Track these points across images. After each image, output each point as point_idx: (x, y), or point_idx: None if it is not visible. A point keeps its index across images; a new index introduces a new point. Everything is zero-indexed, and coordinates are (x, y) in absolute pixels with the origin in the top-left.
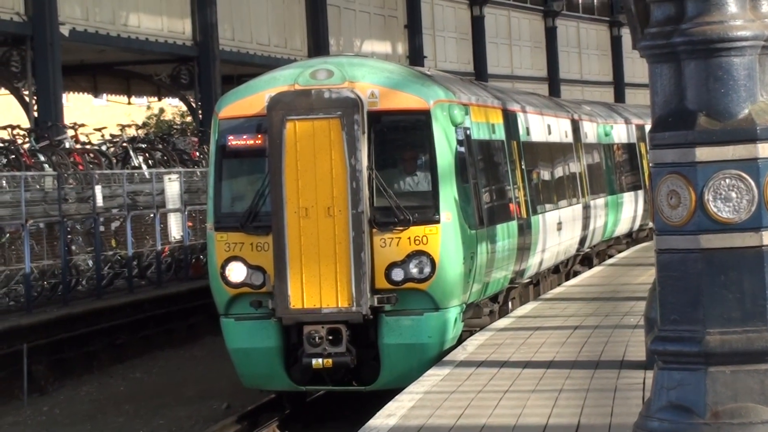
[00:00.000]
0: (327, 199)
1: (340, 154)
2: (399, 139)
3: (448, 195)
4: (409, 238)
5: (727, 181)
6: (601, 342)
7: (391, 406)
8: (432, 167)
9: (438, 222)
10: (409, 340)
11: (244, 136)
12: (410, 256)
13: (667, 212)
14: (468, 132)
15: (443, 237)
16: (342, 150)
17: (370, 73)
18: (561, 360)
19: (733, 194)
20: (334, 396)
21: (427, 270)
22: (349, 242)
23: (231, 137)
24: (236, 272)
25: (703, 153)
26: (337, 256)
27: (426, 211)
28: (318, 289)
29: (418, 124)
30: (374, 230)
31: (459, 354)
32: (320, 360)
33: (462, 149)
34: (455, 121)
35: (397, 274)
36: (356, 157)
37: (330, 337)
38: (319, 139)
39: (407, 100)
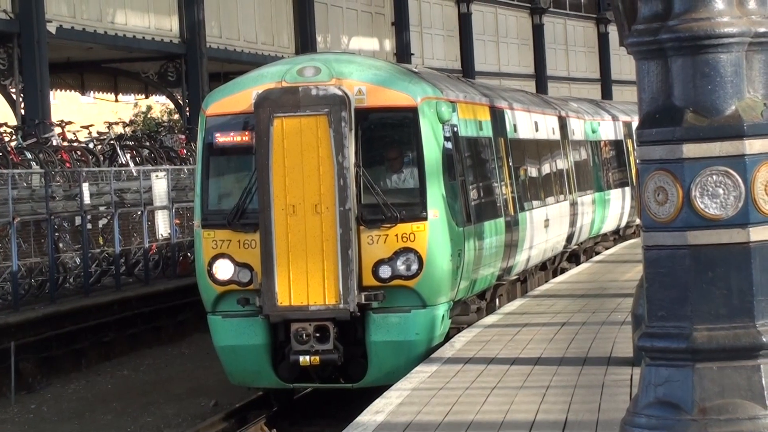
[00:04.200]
0: (314, 196)
1: (327, 152)
2: (386, 136)
3: (436, 192)
4: (396, 235)
5: (714, 177)
6: (588, 338)
7: (379, 403)
8: (419, 164)
9: (425, 219)
10: (397, 337)
11: (231, 134)
12: (398, 254)
13: (655, 209)
14: (455, 129)
15: (431, 234)
16: (329, 147)
17: (357, 70)
18: (548, 356)
19: (720, 190)
20: (321, 393)
21: (414, 267)
22: (336, 239)
23: (218, 134)
24: (223, 269)
25: (690, 149)
26: (324, 253)
27: (413, 208)
28: (305, 286)
29: (405, 121)
30: (361, 227)
31: (447, 351)
32: (307, 357)
33: (449, 146)
34: (442, 118)
35: (385, 272)
36: (343, 154)
37: (317, 335)
38: (306, 137)
39: (394, 97)
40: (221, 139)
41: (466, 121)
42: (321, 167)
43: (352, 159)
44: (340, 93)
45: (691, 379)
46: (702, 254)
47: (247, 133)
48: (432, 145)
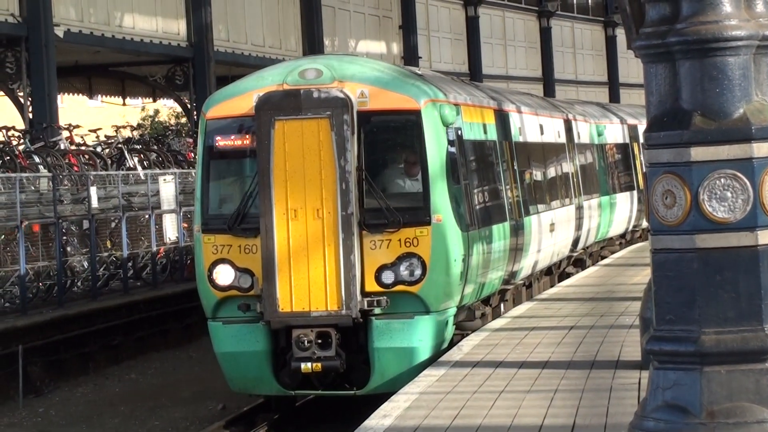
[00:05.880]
0: (316, 200)
1: (329, 155)
2: (389, 139)
3: (439, 196)
4: (399, 239)
5: (722, 180)
6: (596, 342)
7: (386, 407)
8: (423, 168)
9: (429, 223)
10: (400, 343)
11: (232, 137)
12: (401, 259)
13: (663, 212)
14: (459, 132)
15: (434, 239)
16: (331, 151)
17: (359, 73)
18: (556, 360)
19: (728, 194)
20: (325, 398)
21: (417, 272)
22: (338, 244)
23: (218, 138)
24: (224, 275)
25: (698, 153)
26: (326, 258)
27: (416, 212)
28: (307, 292)
29: (408, 124)
30: (364, 232)
31: (454, 354)
32: (309, 364)
33: (453, 149)
34: (446, 121)
35: (388, 277)
36: (346, 157)
37: (319, 341)
38: (307, 140)
39: (397, 99)
40: (222, 142)
41: (470, 124)
42: (323, 171)
43: (354, 162)
44: (342, 96)
45: (699, 383)
46: (710, 257)
47: (247, 136)
48: (435, 148)
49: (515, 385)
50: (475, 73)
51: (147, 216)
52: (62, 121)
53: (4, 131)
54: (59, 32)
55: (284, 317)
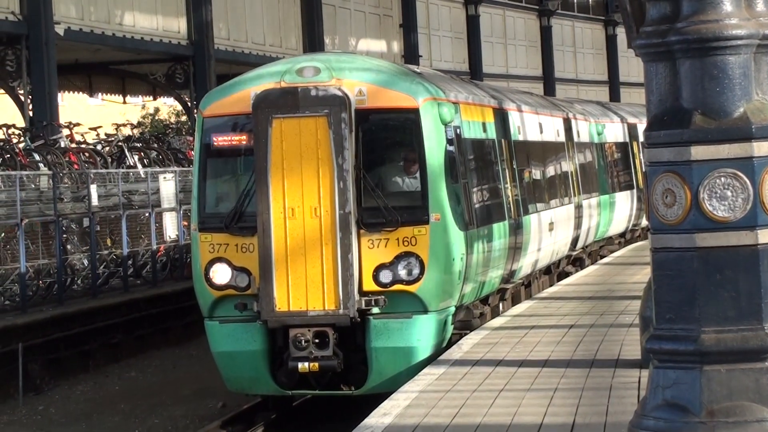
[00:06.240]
0: (313, 199)
1: (327, 153)
2: (387, 137)
3: (438, 195)
4: (397, 239)
5: (723, 179)
6: (596, 341)
7: (386, 405)
8: (421, 166)
9: (427, 222)
10: (398, 343)
11: (229, 135)
12: (399, 258)
13: (663, 211)
14: (458, 130)
15: (432, 238)
16: (329, 149)
17: (357, 71)
18: (556, 359)
19: (729, 193)
20: (323, 398)
21: (415, 272)
22: (336, 243)
23: (215, 136)
24: (221, 274)
25: (698, 151)
26: (323, 257)
27: (415, 211)
28: (304, 291)
29: (406, 123)
30: (362, 231)
31: (454, 353)
32: (306, 364)
33: (452, 148)
34: (445, 120)
35: (386, 276)
36: (343, 156)
37: (316, 341)
38: (305, 138)
39: (396, 98)
40: (219, 140)
41: (469, 122)
42: (320, 169)
43: (352, 161)
44: (340, 93)
45: (699, 382)
46: (710, 256)
47: (245, 134)
48: (434, 146)
49: (515, 383)
50: (475, 72)
51: (147, 214)
52: (62, 119)
53: (4, 129)
54: (60, 30)
55: (281, 316)
